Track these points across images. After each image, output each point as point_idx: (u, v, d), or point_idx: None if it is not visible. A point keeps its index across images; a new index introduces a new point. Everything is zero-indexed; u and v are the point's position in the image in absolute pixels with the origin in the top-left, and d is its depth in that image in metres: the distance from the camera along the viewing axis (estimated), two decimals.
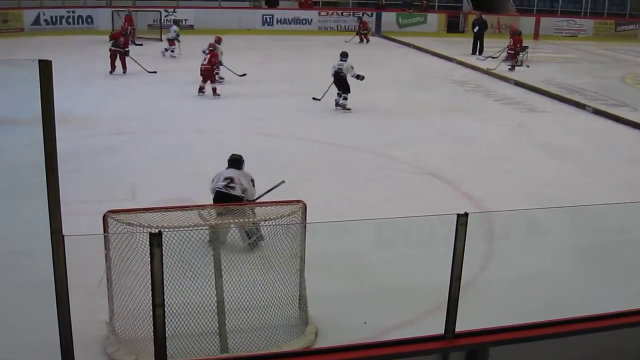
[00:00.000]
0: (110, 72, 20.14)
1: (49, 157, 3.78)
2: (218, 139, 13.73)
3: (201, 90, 17.81)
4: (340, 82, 16.62)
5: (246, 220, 7.44)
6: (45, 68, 3.63)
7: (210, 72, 17.90)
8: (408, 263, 8.22)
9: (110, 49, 20.22)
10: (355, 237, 7.93)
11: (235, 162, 8.81)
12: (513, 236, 8.90)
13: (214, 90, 17.82)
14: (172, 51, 24.49)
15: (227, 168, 8.78)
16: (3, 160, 12.23)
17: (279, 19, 31.68)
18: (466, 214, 4.52)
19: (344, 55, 16.85)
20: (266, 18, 31.73)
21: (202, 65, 17.91)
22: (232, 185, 8.46)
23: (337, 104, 16.71)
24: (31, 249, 8.39)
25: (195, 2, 31.25)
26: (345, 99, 16.67)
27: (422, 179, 11.99)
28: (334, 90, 16.77)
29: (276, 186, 8.73)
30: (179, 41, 24.44)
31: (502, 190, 11.44)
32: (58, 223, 3.90)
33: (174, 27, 25.13)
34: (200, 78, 17.80)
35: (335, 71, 16.61)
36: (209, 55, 17.96)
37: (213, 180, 8.74)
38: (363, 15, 31.31)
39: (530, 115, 17.76)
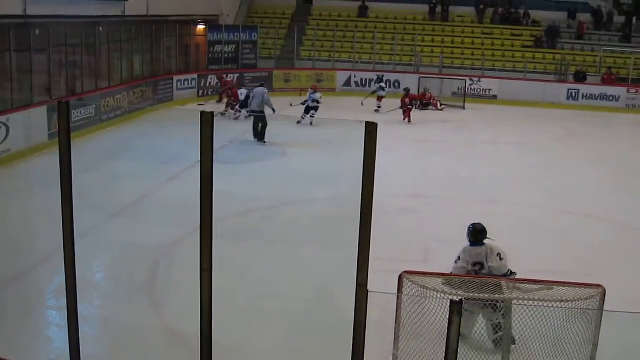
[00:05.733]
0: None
1: (364, 214, 3.94)
2: (515, 211, 13.53)
3: None
4: None
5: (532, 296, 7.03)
6: (371, 130, 3.83)
7: None
8: None
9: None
10: None
11: (482, 233, 8.08)
12: None
13: None
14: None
15: (472, 242, 8.07)
16: (309, 212, 13.02)
17: (584, 94, 30.69)
18: None
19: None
20: (571, 92, 30.90)
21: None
22: (482, 272, 7.87)
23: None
24: (326, 298, 8.85)
25: (501, 73, 31.26)
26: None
27: None
28: None
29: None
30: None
31: None
32: (364, 277, 4.05)
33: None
34: None
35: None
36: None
37: (459, 258, 8.04)
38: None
39: None
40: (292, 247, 10.92)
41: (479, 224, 8.16)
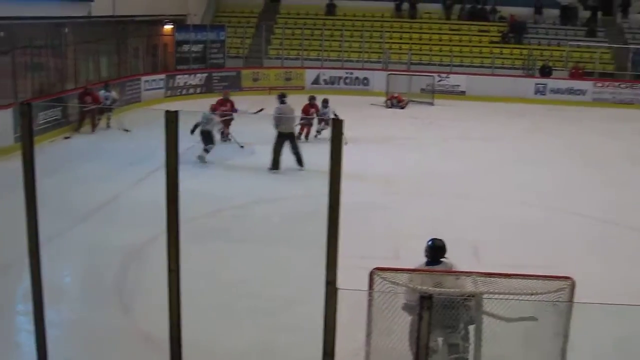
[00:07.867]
0: None
1: (332, 211, 3.92)
2: (483, 206, 13.60)
3: None
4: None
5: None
6: (337, 126, 3.82)
7: None
8: None
9: None
10: (627, 322, 7.44)
11: (441, 250, 7.29)
12: None
13: None
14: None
15: (429, 260, 7.25)
16: (280, 210, 12.98)
17: (552, 89, 30.94)
18: None
19: None
20: (539, 87, 31.16)
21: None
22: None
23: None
24: (298, 296, 8.82)
25: (469, 69, 31.42)
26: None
27: None
28: None
29: None
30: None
31: None
32: (334, 275, 4.03)
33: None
34: None
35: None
36: None
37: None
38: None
39: None
40: (263, 246, 10.87)
41: (439, 239, 7.33)
